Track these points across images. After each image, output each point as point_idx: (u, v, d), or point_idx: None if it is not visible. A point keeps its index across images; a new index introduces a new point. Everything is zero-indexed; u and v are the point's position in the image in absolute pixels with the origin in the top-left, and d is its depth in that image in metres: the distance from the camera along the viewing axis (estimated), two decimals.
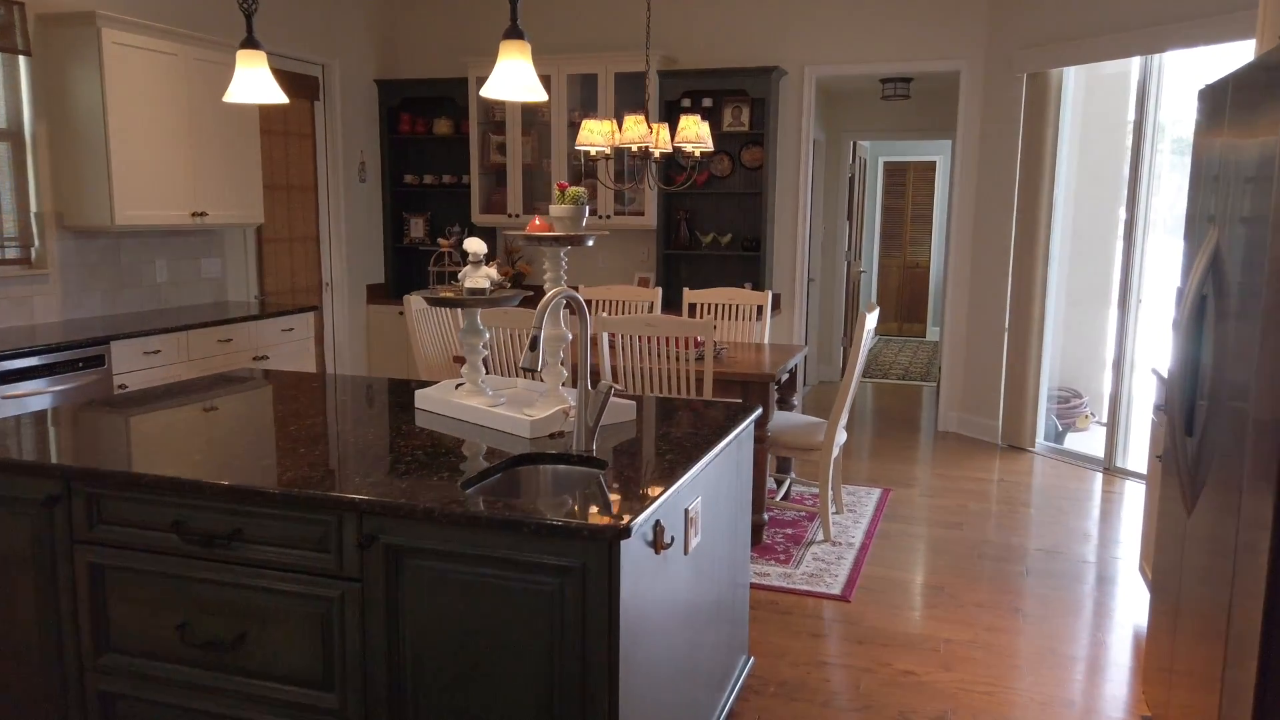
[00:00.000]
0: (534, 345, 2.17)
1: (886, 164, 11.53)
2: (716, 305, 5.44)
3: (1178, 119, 5.73)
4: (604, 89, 6.63)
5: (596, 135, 4.44)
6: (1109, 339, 6.27)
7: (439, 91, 7.14)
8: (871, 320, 4.34)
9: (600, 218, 6.81)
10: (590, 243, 2.62)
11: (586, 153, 4.47)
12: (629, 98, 6.70)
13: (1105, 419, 6.02)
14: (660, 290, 5.47)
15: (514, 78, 2.48)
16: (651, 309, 5.48)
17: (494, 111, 7.08)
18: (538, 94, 2.52)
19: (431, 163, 7.48)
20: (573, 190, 2.58)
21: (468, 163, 7.16)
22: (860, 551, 4.30)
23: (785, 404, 4.99)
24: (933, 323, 11.68)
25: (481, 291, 2.67)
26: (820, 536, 4.47)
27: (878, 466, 5.80)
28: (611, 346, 4.14)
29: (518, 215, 7.01)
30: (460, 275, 2.75)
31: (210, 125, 5.25)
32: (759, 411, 2.84)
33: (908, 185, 11.54)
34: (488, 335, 2.78)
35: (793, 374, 4.92)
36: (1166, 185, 5.97)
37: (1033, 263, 6.06)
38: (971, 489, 5.33)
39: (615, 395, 2.70)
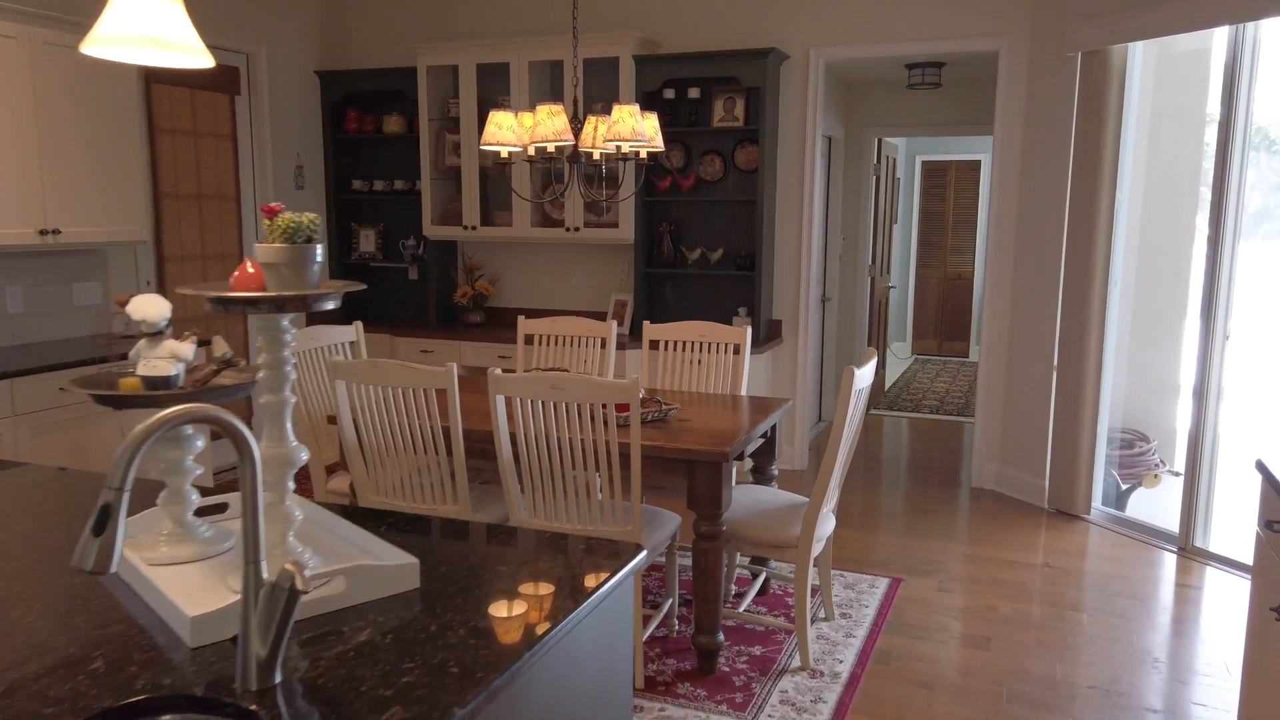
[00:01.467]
0: (100, 525, 1.14)
1: (925, 163, 10.32)
2: (685, 343, 4.36)
3: (1268, 105, 4.52)
4: (572, 78, 5.59)
5: (506, 131, 3.41)
6: (1185, 369, 5.08)
7: (390, 84, 6.16)
8: (863, 376, 3.24)
9: (568, 230, 5.77)
10: (330, 304, 1.59)
11: (552, 156, 3.44)
12: (603, 88, 5.65)
13: (1179, 470, 4.83)
14: (614, 325, 4.42)
15: (136, 19, 1.45)
16: (603, 348, 4.43)
17: (448, 106, 6.08)
18: (185, 54, 1.50)
19: (384, 166, 6.51)
20: (285, 219, 1.55)
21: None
22: (847, 688, 3.20)
23: (762, 475, 3.90)
24: (976, 341, 10.43)
25: (165, 382, 1.64)
26: (796, 661, 3.38)
27: (890, 540, 4.67)
28: (510, 415, 3.11)
29: (474, 227, 6.00)
30: (131, 353, 1.73)
31: (67, 123, 4.32)
32: (640, 557, 1.78)
33: (948, 187, 10.32)
34: (200, 442, 1.75)
35: (770, 437, 3.84)
36: (1254, 185, 4.76)
37: (1089, 279, 4.88)
38: (1006, 579, 4.18)
39: (389, 536, 1.66)
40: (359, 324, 4.24)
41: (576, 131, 3.51)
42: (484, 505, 3.46)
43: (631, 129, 3.29)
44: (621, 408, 3.14)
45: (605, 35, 5.49)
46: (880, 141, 7.33)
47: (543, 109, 3.29)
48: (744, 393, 4.21)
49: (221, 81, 5.61)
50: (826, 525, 3.43)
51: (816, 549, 3.36)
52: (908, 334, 10.65)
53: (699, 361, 4.33)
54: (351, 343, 4.23)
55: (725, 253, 5.81)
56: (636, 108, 3.34)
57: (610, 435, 2.99)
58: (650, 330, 4.39)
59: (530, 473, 3.12)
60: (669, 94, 5.65)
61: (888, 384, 8.91)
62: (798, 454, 5.90)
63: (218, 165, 5.66)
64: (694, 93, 5.63)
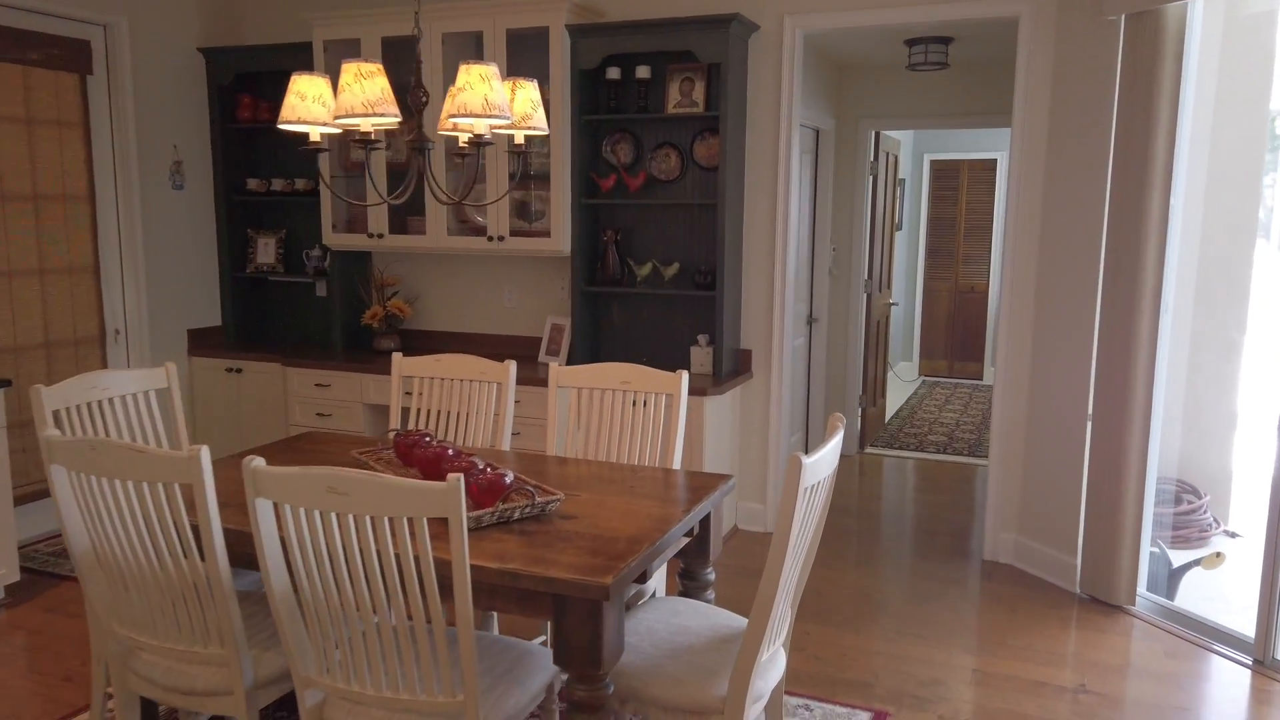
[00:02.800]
0: None
1: (934, 163, 9.24)
2: (606, 392, 3.32)
3: None
4: (493, 50, 4.56)
5: (313, 105, 2.37)
6: (1249, 405, 4.02)
7: (289, 62, 5.13)
8: (818, 466, 2.18)
9: (491, 239, 4.74)
10: None
11: (366, 139, 2.40)
12: (534, 68, 4.61)
13: (1234, 530, 3.76)
14: (513, 366, 3.37)
15: None
16: (498, 399, 3.39)
17: None
18: None
19: (284, 162, 5.49)
20: None
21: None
22: None
23: (694, 582, 2.84)
24: (991, 362, 9.34)
25: None
26: None
27: (876, 646, 3.61)
28: (281, 525, 2.08)
29: (381, 236, 4.97)
30: None
31: None
32: None
33: (961, 190, 9.23)
34: None
35: (705, 528, 2.78)
36: None
37: (1134, 301, 3.81)
38: (1030, 714, 3.11)
39: None
40: (171, 366, 3.20)
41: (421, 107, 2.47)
42: (276, 644, 2.42)
43: (483, 100, 2.25)
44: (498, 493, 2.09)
45: (533, 1, 4.46)
46: (878, 136, 6.27)
47: (350, 68, 2.24)
48: (677, 463, 3.16)
49: (67, 58, 4.61)
50: (770, 674, 2.37)
51: (754, 710, 2.30)
52: (914, 353, 9.57)
53: (623, 418, 3.28)
54: (160, 391, 3.20)
55: (682, 268, 4.76)
56: (493, 69, 2.29)
57: (422, 553, 1.95)
58: (559, 375, 3.34)
59: (315, 611, 2.08)
60: (613, 73, 4.61)
61: (889, 413, 7.84)
62: (770, 513, 4.84)
63: (65, 160, 4.66)
64: (643, 72, 4.58)
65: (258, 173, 5.51)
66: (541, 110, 2.55)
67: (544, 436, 4.46)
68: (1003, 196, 9.02)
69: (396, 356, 3.51)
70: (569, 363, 4.75)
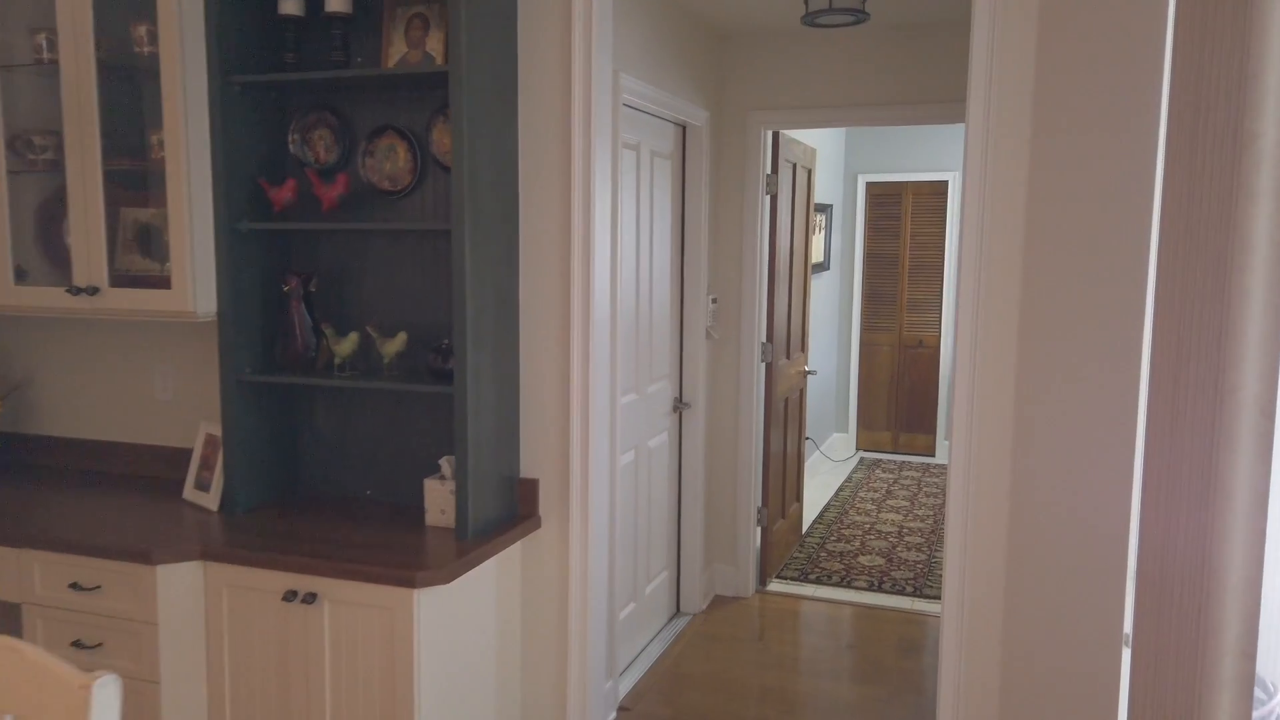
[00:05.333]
0: None
1: (870, 186, 7.42)
2: None
3: None
4: None
5: None
6: None
7: None
8: None
9: (74, 292, 2.73)
10: None
11: None
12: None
13: None
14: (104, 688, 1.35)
15: None
16: None
17: None
18: None
19: None
20: None
21: None
22: None
23: None
24: (946, 435, 7.47)
25: None
26: None
27: None
28: None
29: None
30: None
31: None
32: None
33: (904, 219, 7.41)
34: None
35: None
36: None
37: (1218, 387, 1.89)
38: None
39: None
40: None
41: None
42: None
43: None
44: None
45: None
46: (777, 138, 4.39)
47: None
48: None
49: None
50: None
51: None
52: (850, 423, 7.67)
53: None
54: None
55: (415, 339, 2.79)
56: None
57: None
58: None
59: None
60: (289, 6, 2.65)
61: (817, 509, 5.91)
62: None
63: None
64: (338, 2, 2.63)
65: None
66: None
67: None
68: (955, 227, 7.22)
69: None
70: (233, 503, 2.73)
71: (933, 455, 7.51)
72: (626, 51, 3.30)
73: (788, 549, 5.03)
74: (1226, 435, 1.90)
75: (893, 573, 4.83)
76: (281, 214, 2.75)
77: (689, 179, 4.05)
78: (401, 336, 2.69)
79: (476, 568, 2.51)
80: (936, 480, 6.77)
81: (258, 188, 2.73)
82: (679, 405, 4.06)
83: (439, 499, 2.64)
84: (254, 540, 2.49)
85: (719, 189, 4.31)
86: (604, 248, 2.76)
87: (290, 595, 2.38)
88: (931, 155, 7.19)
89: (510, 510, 2.74)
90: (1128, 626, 2.19)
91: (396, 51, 2.69)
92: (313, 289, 2.80)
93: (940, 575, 4.75)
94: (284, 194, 2.71)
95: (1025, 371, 2.42)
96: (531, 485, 2.78)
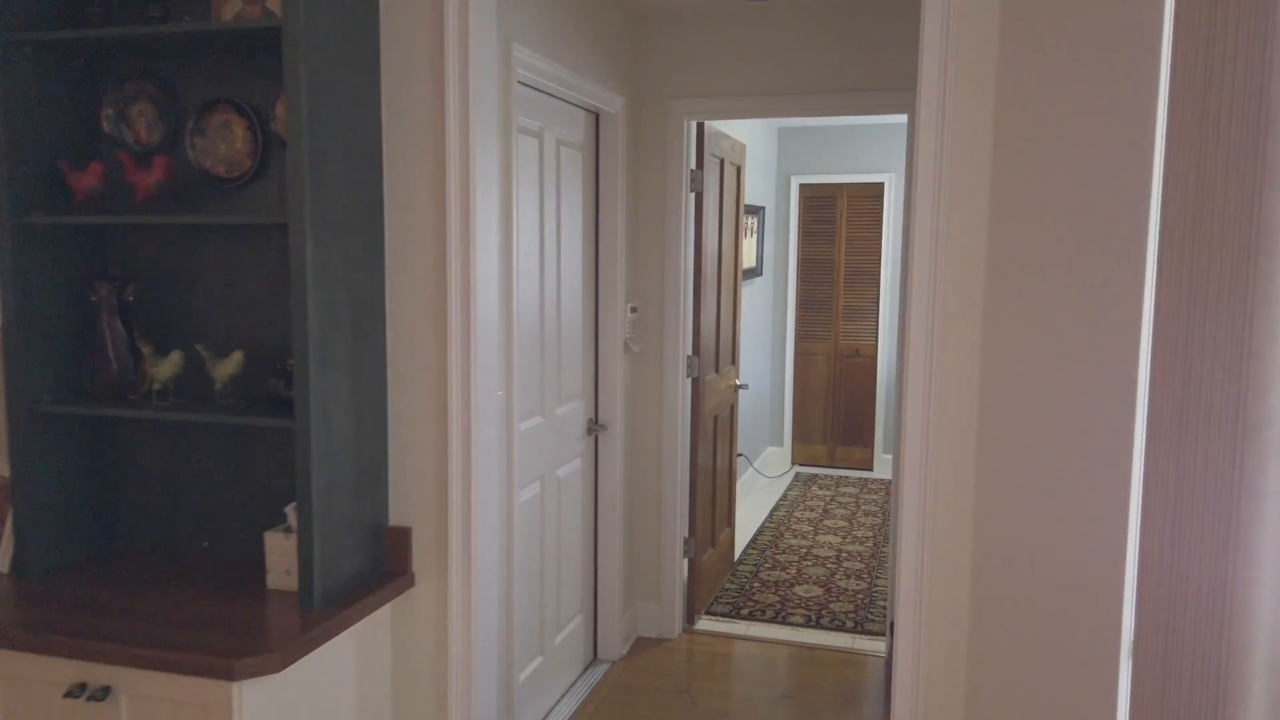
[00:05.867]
0: None
1: (805, 188, 7.07)
2: None
3: None
4: None
5: None
6: None
7: None
8: None
9: None
10: None
11: None
12: None
13: None
14: None
15: None
16: None
17: None
18: None
19: None
20: None
21: None
22: None
23: None
24: (885, 448, 7.15)
25: None
26: None
27: None
28: None
29: None
30: None
31: None
32: None
33: (839, 222, 7.07)
34: None
35: None
36: None
37: (1237, 407, 1.50)
38: None
39: None
40: None
41: None
42: None
43: None
44: None
45: None
46: (702, 130, 3.97)
47: None
48: None
49: None
50: None
51: None
52: (785, 437, 7.30)
53: None
54: None
55: (255, 359, 2.29)
56: None
57: None
58: None
59: None
60: None
61: (750, 532, 5.51)
62: None
63: None
64: None
65: None
66: None
67: None
68: (892, 231, 6.91)
69: None
70: (27, 566, 2.19)
71: (870, 469, 7.18)
72: (521, 20, 2.85)
73: (719, 580, 4.60)
74: (1250, 487, 1.51)
75: (831, 605, 4.44)
76: (85, 205, 2.22)
77: (603, 173, 3.60)
78: (237, 356, 2.18)
79: (326, 644, 2.02)
80: (874, 497, 6.43)
81: (58, 173, 2.21)
82: (594, 428, 3.61)
83: (283, 556, 2.14)
84: (42, 616, 1.97)
85: (638, 185, 3.88)
86: (490, 248, 2.30)
87: (76, 690, 1.86)
88: (867, 156, 6.87)
89: (375, 566, 2.26)
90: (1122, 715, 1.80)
91: (232, 8, 2.19)
92: (129, 298, 2.28)
93: (883, 606, 4.38)
94: (86, 180, 2.19)
95: (989, 393, 2.02)
96: (403, 535, 2.30)
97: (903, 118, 6.39)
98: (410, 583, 2.30)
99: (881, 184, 6.88)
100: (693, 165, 3.95)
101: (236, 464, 2.34)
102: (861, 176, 6.92)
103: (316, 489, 2.01)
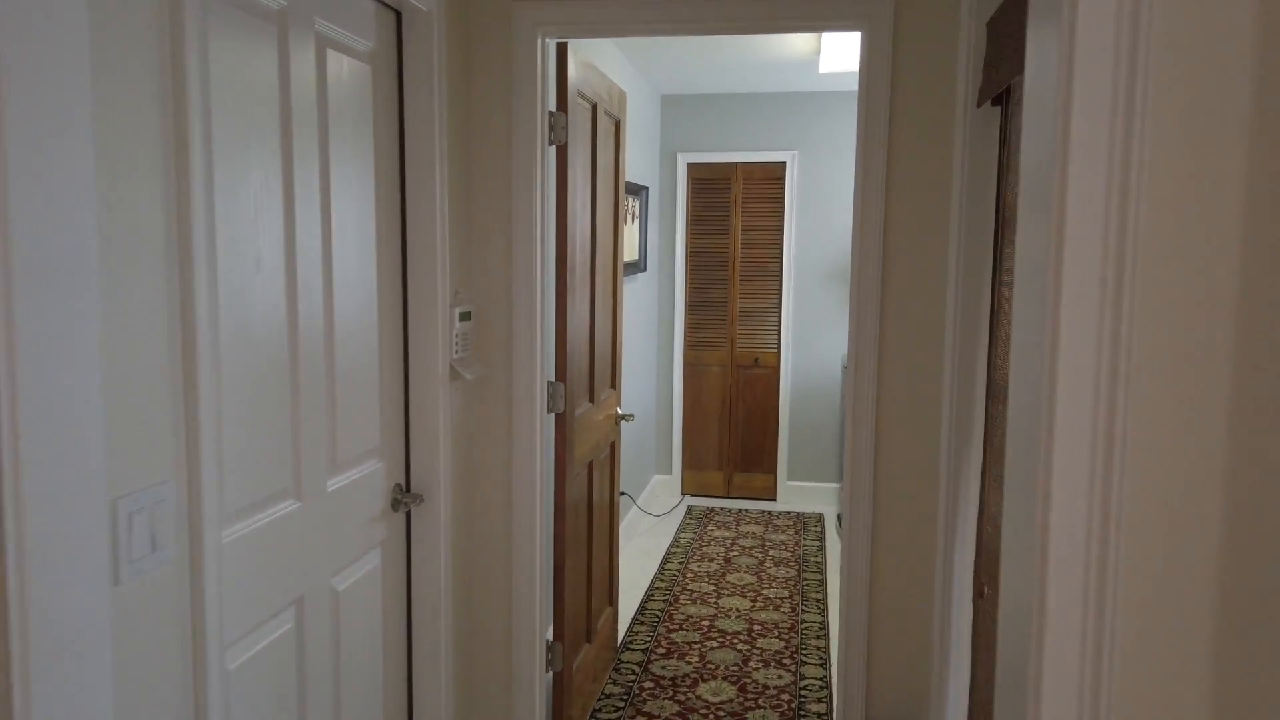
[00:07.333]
0: None
1: (694, 167, 5.95)
2: None
3: None
4: None
5: None
6: None
7: None
8: None
9: None
10: None
11: None
12: None
13: None
14: None
15: None
16: None
17: None
18: None
19: None
20: None
21: None
22: None
23: None
24: (790, 475, 6.10)
25: None
26: None
27: None
28: None
29: None
30: None
31: None
32: None
33: (734, 209, 5.98)
34: None
35: None
36: None
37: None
38: None
39: None
40: None
41: None
42: None
43: None
44: None
45: None
46: (564, 55, 2.74)
47: None
48: None
49: None
50: None
51: None
52: (674, 464, 6.17)
53: None
54: None
55: None
56: None
57: None
58: None
59: None
60: None
61: (637, 598, 4.32)
62: None
63: None
64: None
65: None
66: None
67: None
68: (795, 220, 5.87)
69: None
70: None
71: (774, 499, 6.11)
72: None
73: (598, 684, 3.40)
74: None
75: (748, 716, 3.29)
76: None
77: (410, 106, 2.34)
78: None
79: None
80: (783, 538, 5.35)
81: None
82: (403, 499, 2.34)
83: None
84: None
85: (469, 129, 2.63)
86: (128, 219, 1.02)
87: None
88: (767, 130, 5.81)
89: None
90: None
91: None
92: None
93: (818, 714, 3.26)
94: None
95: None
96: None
97: (814, 77, 5.35)
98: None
99: (783, 163, 5.82)
100: (552, 106, 2.73)
101: None
102: (760, 155, 5.84)
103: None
